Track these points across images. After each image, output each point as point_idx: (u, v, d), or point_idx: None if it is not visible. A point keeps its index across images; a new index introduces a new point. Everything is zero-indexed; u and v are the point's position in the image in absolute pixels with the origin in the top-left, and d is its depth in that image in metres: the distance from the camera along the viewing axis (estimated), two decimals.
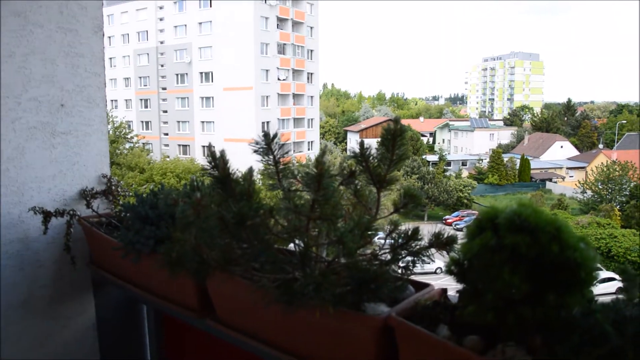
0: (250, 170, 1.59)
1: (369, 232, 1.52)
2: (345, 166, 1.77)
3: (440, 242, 1.72)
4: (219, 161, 1.54)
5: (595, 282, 1.22)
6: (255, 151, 1.74)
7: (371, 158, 1.68)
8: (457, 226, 57.86)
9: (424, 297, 1.57)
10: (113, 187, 2.90)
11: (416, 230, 1.68)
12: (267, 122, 61.01)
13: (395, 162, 1.69)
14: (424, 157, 76.22)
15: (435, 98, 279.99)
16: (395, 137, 1.67)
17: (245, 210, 1.39)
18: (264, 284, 1.44)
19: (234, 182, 1.53)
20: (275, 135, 1.72)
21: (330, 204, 1.40)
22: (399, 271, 1.70)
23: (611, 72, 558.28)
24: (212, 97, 61.87)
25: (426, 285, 1.67)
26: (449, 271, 1.37)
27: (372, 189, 1.74)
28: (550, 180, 79.37)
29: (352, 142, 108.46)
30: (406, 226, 1.80)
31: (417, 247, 1.69)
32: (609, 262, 42.06)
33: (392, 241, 1.70)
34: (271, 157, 1.73)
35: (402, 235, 1.65)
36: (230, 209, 1.41)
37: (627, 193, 52.90)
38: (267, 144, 1.72)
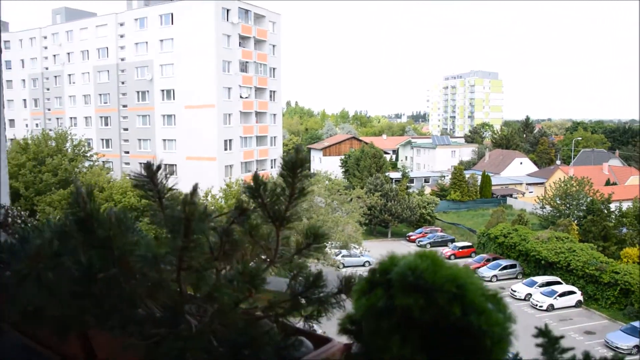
0: (119, 212, 1.33)
1: (258, 280, 1.28)
2: (241, 201, 1.55)
3: (351, 288, 1.49)
4: (80, 198, 1.28)
5: (506, 352, 0.99)
6: (135, 185, 1.48)
7: (268, 192, 1.46)
8: (421, 243, 58.20)
9: (320, 356, 1.33)
10: (10, 219, 2.59)
11: (319, 275, 1.46)
12: (230, 140, 60.51)
13: (296, 197, 1.47)
14: (387, 174, 76.62)
15: (397, 116, 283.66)
16: (295, 168, 1.46)
17: (94, 260, 1.13)
18: (129, 343, 1.19)
19: (96, 223, 1.27)
20: (159, 168, 1.47)
21: (200, 252, 1.16)
22: (303, 324, 1.47)
23: (567, 90, 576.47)
24: (174, 115, 61.05)
25: (327, 340, 1.43)
26: (343, 330, 1.13)
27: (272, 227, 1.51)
28: (511, 196, 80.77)
29: (316, 160, 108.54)
30: (313, 268, 1.58)
31: (322, 294, 1.46)
32: (568, 276, 42.83)
33: (294, 288, 1.47)
34: (155, 191, 1.48)
35: (303, 281, 1.42)
36: (79, 259, 1.15)
37: (584, 208, 54.10)
38: (150, 177, 1.47)
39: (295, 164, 1.46)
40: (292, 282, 1.50)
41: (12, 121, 79.45)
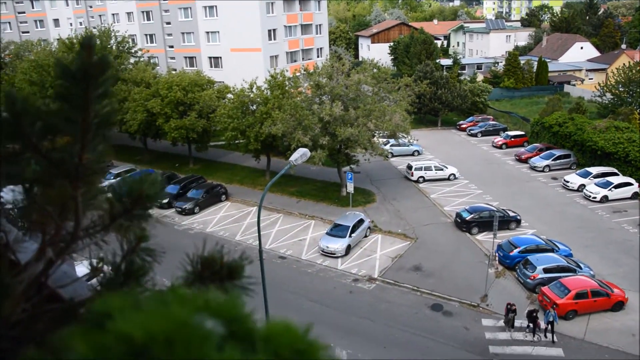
0: None
1: None
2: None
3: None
4: None
5: None
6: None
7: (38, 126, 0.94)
8: (471, 131, 56.83)
9: None
10: None
11: None
12: (274, 30, 58.76)
13: (94, 131, 0.94)
14: (437, 61, 73.62)
15: None
16: (88, 79, 0.94)
17: None
18: None
19: None
20: None
21: None
22: None
23: None
24: (215, 6, 59.21)
25: None
26: None
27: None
28: (569, 83, 76.82)
29: (364, 48, 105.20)
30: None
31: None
32: (625, 167, 41.17)
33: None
34: None
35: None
36: None
37: None
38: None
39: (88, 72, 0.93)
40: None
41: (56, 21, 79.27)
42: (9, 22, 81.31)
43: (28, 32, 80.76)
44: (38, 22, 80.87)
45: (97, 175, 1.02)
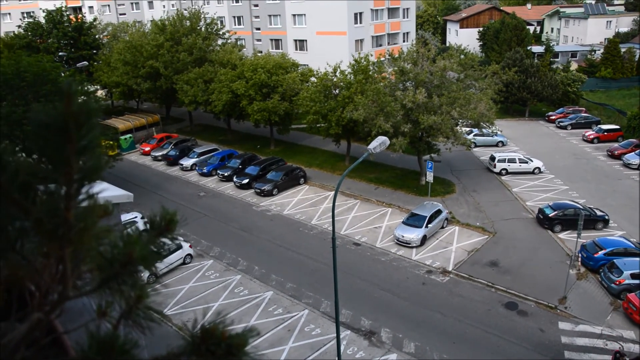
0: None
1: None
2: None
3: None
4: None
5: None
6: None
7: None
8: (561, 124, 54.22)
9: None
10: None
11: None
12: (360, 13, 58.26)
13: (78, 186, 0.88)
14: (528, 48, 70.51)
15: None
16: (68, 131, 0.84)
17: None
18: None
19: None
20: None
21: None
22: None
23: None
24: None
25: None
26: None
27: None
28: None
29: (452, 33, 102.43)
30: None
31: None
32: None
33: None
34: None
35: None
36: None
37: None
38: None
39: (67, 124, 0.84)
40: None
41: (150, 3, 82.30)
42: (109, 5, 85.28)
43: (125, 14, 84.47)
44: (134, 4, 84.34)
45: (88, 231, 0.92)
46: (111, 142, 38.68)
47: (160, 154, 47.64)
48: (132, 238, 1.02)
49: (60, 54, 55.85)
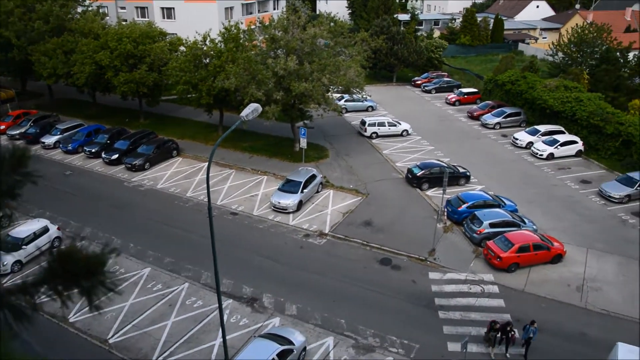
0: None
1: None
2: None
3: None
4: None
5: None
6: None
7: None
8: (426, 88, 57.15)
9: None
10: None
11: None
12: None
13: None
14: (395, 16, 73.09)
15: None
16: None
17: None
18: None
19: None
20: None
21: None
22: None
23: None
24: None
25: None
26: None
27: None
28: (523, 41, 77.65)
29: (322, 1, 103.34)
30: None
31: None
32: (572, 126, 42.36)
33: None
34: None
35: None
36: None
37: (598, 57, 51.89)
38: None
39: None
40: None
41: None
42: None
43: None
44: None
45: None
46: None
47: (18, 132, 43.67)
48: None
49: None
